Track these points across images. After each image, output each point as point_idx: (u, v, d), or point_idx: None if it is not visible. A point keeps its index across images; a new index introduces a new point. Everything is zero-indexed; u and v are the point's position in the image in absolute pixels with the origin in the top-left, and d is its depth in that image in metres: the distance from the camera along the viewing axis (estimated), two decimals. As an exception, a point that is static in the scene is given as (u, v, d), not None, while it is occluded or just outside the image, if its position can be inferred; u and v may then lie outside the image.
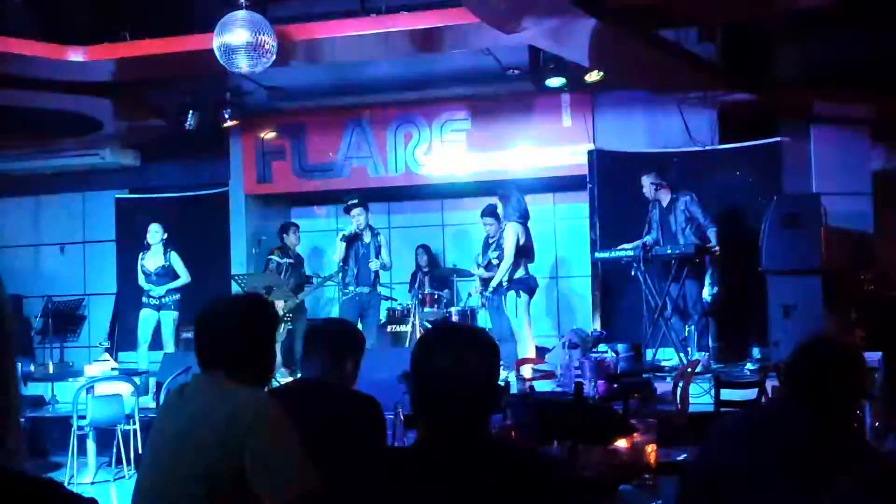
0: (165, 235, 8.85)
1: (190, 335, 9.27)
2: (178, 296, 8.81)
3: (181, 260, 8.87)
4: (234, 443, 2.19)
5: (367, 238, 8.65)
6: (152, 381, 8.05)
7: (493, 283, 8.06)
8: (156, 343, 8.86)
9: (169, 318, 8.77)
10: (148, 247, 8.84)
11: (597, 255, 8.56)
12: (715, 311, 8.09)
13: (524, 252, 8.12)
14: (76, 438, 6.60)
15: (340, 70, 8.77)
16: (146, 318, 8.80)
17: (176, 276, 8.83)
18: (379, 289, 8.83)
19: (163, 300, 8.74)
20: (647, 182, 8.08)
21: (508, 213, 8.10)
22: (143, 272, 8.82)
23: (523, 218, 8.13)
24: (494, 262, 8.22)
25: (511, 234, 8.00)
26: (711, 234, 7.91)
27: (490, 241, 8.54)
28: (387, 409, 3.32)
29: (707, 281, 8.01)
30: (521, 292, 8.06)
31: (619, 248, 8.10)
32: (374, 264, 8.56)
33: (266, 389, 2.66)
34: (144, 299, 8.85)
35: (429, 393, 1.93)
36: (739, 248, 8.11)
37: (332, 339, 3.08)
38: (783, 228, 7.48)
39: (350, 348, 3.08)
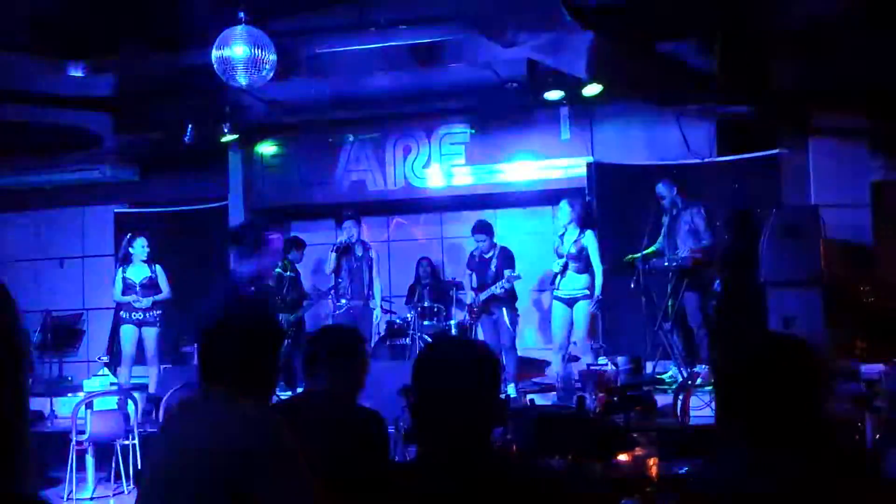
0: (149, 249, 8.66)
1: (188, 349, 9.23)
2: (159, 311, 8.62)
3: (165, 275, 8.70)
4: (239, 459, 2.18)
5: (359, 252, 8.65)
6: (138, 396, 7.92)
7: (598, 291, 7.79)
8: (136, 358, 8.65)
9: (151, 333, 8.57)
10: (129, 259, 8.66)
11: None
12: (709, 322, 8.05)
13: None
14: (75, 454, 6.57)
15: (340, 84, 8.78)
16: (128, 335, 8.58)
17: (160, 290, 8.65)
18: (373, 303, 8.82)
19: (147, 315, 8.55)
20: (662, 190, 8.03)
21: (581, 219, 7.93)
22: (126, 284, 8.60)
23: (590, 225, 8.00)
24: (557, 269, 7.97)
25: (593, 240, 7.91)
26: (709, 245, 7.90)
27: (486, 256, 8.46)
28: (387, 423, 3.30)
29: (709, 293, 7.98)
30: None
31: (625, 259, 8.05)
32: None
33: (270, 404, 2.64)
34: (124, 314, 8.60)
35: (430, 407, 1.93)
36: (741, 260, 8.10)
37: (330, 344, 3.08)
38: (782, 240, 7.48)
39: (346, 351, 3.06)
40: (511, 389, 7.93)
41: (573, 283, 7.87)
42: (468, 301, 8.69)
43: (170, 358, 9.11)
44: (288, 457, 2.21)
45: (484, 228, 8.43)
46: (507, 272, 8.21)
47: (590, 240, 7.85)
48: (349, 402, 2.99)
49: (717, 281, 8.01)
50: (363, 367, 3.08)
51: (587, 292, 7.85)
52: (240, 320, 2.54)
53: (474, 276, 8.56)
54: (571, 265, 7.88)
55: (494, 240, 8.48)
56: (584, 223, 7.95)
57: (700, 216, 7.93)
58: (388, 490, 1.93)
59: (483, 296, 8.31)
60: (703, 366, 7.67)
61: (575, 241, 7.86)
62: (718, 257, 7.89)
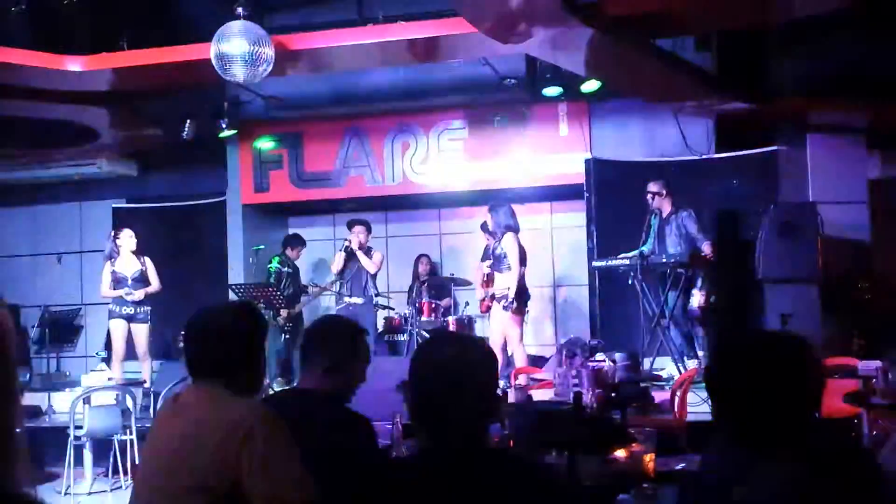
0: (136, 240, 8.54)
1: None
2: (149, 307, 8.47)
3: (154, 268, 8.58)
4: (230, 454, 2.18)
5: (361, 256, 8.74)
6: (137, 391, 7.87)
7: (511, 295, 7.76)
8: (127, 353, 8.54)
9: (141, 330, 8.43)
10: (117, 253, 8.50)
11: (594, 263, 8.54)
12: (704, 319, 8.05)
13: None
14: (73, 449, 6.58)
15: (338, 79, 8.78)
16: (117, 329, 8.43)
17: (149, 283, 8.53)
18: (375, 300, 8.83)
19: (137, 309, 8.39)
20: (652, 189, 8.02)
21: (498, 224, 7.98)
22: (116, 278, 8.43)
23: (512, 229, 8.00)
24: (486, 270, 8.09)
25: (512, 244, 7.90)
26: (706, 247, 7.88)
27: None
28: (385, 418, 3.30)
29: (694, 290, 7.94)
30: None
31: (620, 256, 8.06)
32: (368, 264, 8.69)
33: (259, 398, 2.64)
34: (114, 308, 8.43)
35: (427, 402, 1.93)
36: (737, 257, 8.11)
37: (320, 337, 3.00)
38: (780, 237, 7.48)
39: (334, 341, 2.95)
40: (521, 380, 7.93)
41: (499, 283, 7.91)
42: (479, 296, 8.68)
43: (162, 353, 9.03)
44: (277, 446, 2.21)
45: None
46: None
47: (507, 243, 7.83)
48: (336, 403, 2.87)
49: (706, 279, 7.97)
50: (363, 359, 2.98)
51: (505, 292, 7.86)
52: (222, 314, 2.51)
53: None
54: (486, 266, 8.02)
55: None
56: (504, 228, 7.94)
57: (690, 219, 7.90)
58: (385, 486, 1.93)
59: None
60: (696, 361, 7.70)
61: (501, 245, 7.91)
62: (709, 256, 7.88)
